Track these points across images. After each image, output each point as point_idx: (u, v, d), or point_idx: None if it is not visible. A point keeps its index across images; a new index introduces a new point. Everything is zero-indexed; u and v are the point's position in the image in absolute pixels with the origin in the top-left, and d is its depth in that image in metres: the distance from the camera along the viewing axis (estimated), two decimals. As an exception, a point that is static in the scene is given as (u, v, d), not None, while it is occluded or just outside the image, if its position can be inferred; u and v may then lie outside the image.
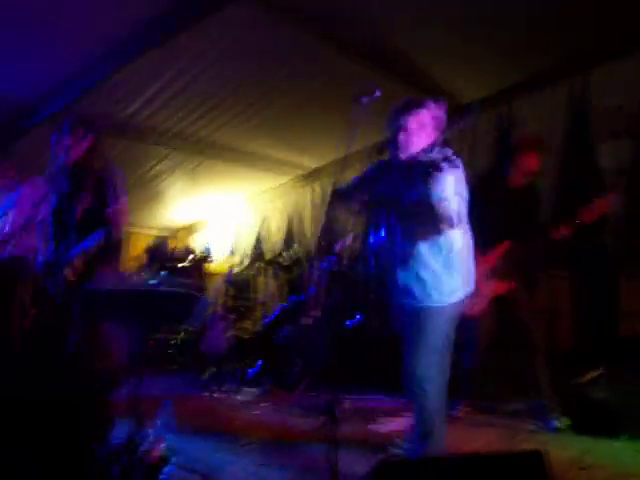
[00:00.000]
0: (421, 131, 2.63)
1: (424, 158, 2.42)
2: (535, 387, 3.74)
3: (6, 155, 4.50)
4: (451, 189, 2.47)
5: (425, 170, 2.38)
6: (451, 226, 2.51)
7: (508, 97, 4.83)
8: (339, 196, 2.99)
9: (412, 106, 2.65)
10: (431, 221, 2.51)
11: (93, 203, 3.67)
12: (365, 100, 2.62)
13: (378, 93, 2.60)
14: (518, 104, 4.78)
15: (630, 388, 3.54)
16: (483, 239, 3.00)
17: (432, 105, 2.66)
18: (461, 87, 4.78)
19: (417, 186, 2.52)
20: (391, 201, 2.73)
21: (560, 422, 3.58)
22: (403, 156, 2.66)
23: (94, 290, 3.09)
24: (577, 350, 4.70)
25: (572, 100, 4.46)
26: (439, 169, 2.36)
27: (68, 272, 3.58)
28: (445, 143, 2.68)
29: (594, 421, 3.48)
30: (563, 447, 3.20)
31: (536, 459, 1.88)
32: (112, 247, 3.99)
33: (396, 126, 2.66)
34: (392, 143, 2.68)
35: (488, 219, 3.20)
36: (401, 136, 2.64)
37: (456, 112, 4.95)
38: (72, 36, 3.76)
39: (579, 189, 4.54)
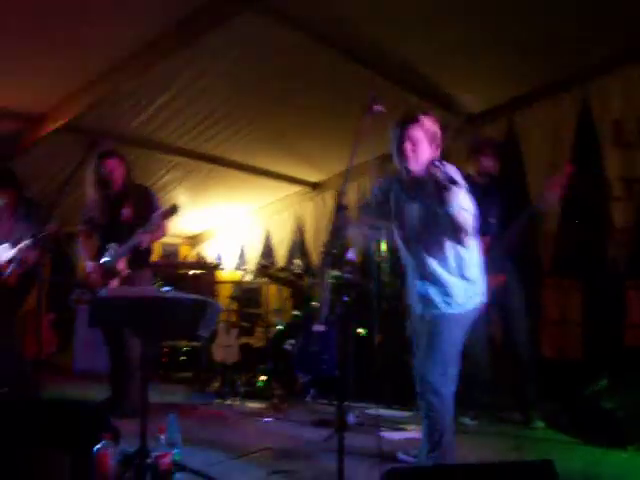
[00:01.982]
0: (425, 142, 2.63)
1: (438, 172, 2.41)
2: (520, 393, 4.12)
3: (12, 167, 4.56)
4: (466, 202, 2.50)
5: (443, 184, 2.38)
6: (468, 236, 2.55)
7: (512, 108, 4.85)
8: (361, 211, 3.01)
9: (414, 117, 2.65)
10: (450, 231, 2.56)
11: (139, 212, 4.03)
12: (378, 108, 2.62)
13: (380, 108, 2.62)
14: (523, 115, 4.80)
15: (636, 398, 3.55)
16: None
17: (429, 119, 2.66)
18: (468, 98, 4.81)
19: (436, 198, 2.51)
20: (408, 213, 2.76)
21: (541, 423, 3.95)
22: (412, 167, 2.65)
23: (106, 297, 3.11)
24: (586, 359, 4.70)
25: (579, 111, 4.47)
26: (456, 183, 2.37)
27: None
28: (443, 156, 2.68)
29: (602, 431, 3.49)
30: (571, 458, 3.20)
31: (547, 469, 1.88)
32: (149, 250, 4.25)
33: (400, 137, 2.65)
34: (398, 155, 2.68)
35: None
36: (407, 147, 2.63)
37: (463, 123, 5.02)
38: (80, 48, 3.79)
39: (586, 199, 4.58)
